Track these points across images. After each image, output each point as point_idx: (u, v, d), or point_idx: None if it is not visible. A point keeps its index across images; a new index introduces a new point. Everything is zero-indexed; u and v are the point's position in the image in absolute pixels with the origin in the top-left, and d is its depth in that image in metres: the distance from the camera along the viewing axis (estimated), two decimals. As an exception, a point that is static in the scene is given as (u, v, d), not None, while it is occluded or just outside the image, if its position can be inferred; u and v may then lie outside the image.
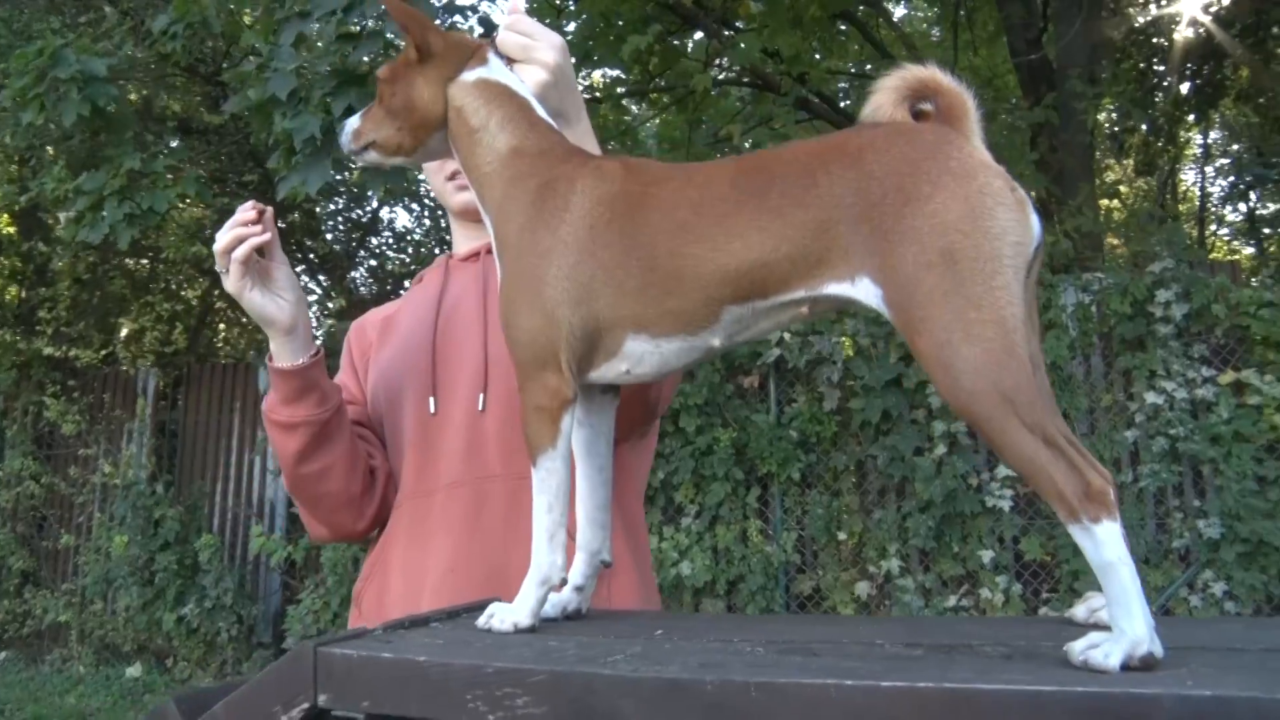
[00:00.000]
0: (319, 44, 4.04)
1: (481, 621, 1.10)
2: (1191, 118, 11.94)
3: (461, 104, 1.19)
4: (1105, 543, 0.79)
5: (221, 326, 12.38)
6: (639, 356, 1.08)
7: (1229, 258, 13.87)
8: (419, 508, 1.51)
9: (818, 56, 7.50)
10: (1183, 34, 11.05)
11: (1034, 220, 0.91)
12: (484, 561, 1.44)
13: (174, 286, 10.96)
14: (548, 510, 1.09)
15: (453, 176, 1.66)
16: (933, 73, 0.97)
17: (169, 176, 5.61)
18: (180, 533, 7.55)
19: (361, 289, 11.96)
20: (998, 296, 0.86)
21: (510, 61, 1.28)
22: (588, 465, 1.19)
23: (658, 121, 9.43)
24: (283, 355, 1.46)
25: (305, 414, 1.45)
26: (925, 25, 12.95)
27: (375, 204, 11.74)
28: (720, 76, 6.74)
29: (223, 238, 1.41)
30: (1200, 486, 5.43)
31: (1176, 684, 0.68)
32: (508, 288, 1.13)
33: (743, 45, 5.64)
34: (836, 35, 8.01)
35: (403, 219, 12.84)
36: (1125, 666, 0.75)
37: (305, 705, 0.98)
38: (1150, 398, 5.44)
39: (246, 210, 1.41)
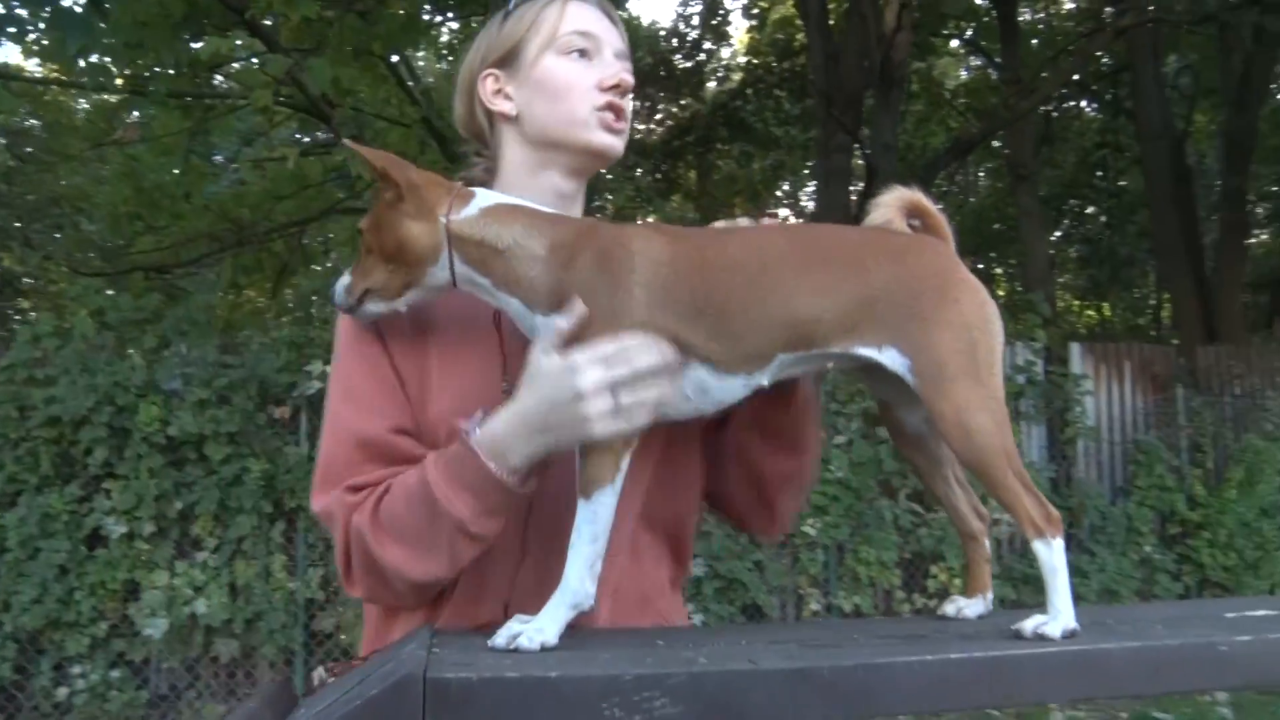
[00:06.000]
0: None
1: (503, 641, 1.12)
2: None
3: (480, 236, 1.23)
4: (1057, 552, 1.17)
5: None
6: (703, 391, 1.23)
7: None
8: None
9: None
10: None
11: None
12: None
13: None
14: (592, 541, 1.18)
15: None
16: (920, 197, 1.32)
17: None
18: None
19: None
20: (997, 380, 1.23)
21: None
22: None
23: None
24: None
25: (497, 528, 1.28)
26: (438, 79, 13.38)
27: None
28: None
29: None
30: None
31: (1119, 640, 1.10)
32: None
33: (309, 71, 5.51)
34: (377, 73, 8.13)
35: None
36: (1063, 637, 1.13)
37: (409, 733, 0.98)
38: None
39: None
